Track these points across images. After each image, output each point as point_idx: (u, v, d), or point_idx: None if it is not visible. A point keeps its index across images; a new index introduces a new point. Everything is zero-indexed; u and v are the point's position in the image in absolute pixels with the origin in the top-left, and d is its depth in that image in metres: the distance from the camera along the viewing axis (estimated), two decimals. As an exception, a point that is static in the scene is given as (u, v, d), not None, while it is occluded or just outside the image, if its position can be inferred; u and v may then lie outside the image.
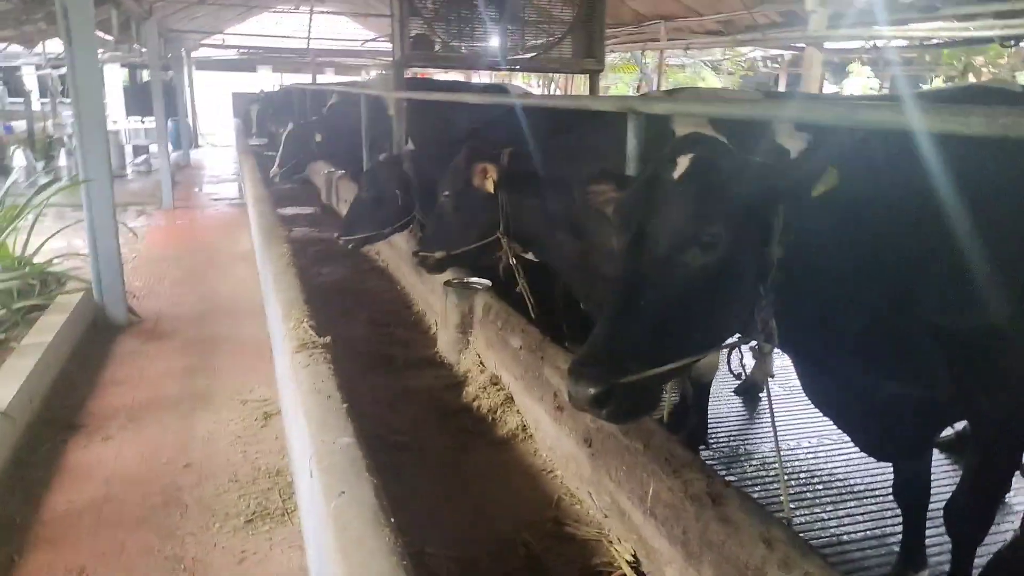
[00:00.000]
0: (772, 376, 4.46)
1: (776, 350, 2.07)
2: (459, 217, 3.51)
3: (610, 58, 17.33)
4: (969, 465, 2.32)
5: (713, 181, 1.87)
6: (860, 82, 13.09)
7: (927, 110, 1.40)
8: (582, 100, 3.95)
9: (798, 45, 9.90)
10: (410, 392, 3.61)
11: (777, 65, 15.47)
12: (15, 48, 15.59)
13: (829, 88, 15.44)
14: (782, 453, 3.76)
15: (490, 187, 3.27)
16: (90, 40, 5.10)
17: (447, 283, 3.89)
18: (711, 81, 18.58)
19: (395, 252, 5.45)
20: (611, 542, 2.44)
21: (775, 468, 3.61)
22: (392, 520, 1.90)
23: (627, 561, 2.33)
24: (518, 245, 3.46)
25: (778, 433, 3.86)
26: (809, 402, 2.65)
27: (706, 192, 1.86)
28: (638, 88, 15.04)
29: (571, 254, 3.26)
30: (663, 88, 12.67)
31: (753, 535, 1.82)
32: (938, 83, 12.22)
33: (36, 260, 5.64)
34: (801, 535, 3.01)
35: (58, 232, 6.14)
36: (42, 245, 5.79)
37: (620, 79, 19.87)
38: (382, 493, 2.01)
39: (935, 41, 8.24)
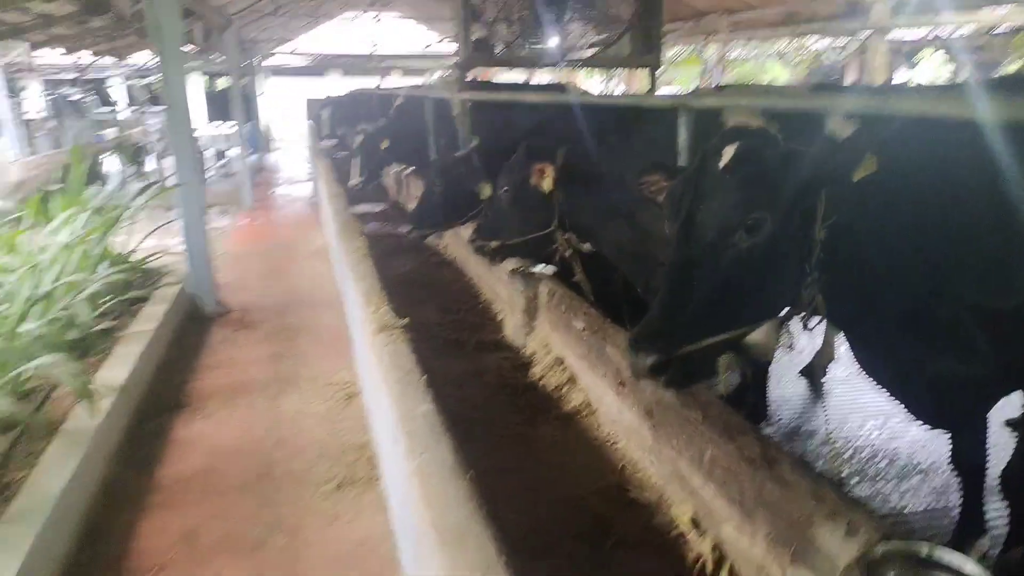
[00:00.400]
0: (833, 359, 4.54)
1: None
2: (515, 210, 3.70)
3: (673, 52, 17.27)
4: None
5: (756, 169, 2.03)
6: (931, 69, 12.72)
7: (951, 99, 1.53)
8: (635, 98, 4.10)
9: (861, 35, 9.76)
10: (480, 372, 3.85)
11: (843, 55, 15.14)
12: (103, 60, 16.62)
13: (902, 76, 15.03)
14: (847, 431, 3.85)
15: (548, 186, 3.47)
16: (179, 56, 5.52)
17: (513, 271, 4.10)
18: (776, 72, 18.29)
19: (464, 245, 5.70)
20: (671, 505, 2.61)
21: (836, 444, 3.71)
22: (468, 475, 2.13)
23: (687, 521, 2.50)
24: (575, 236, 3.65)
25: (842, 412, 3.96)
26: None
27: (750, 179, 2.02)
28: (700, 81, 14.96)
29: (627, 244, 3.43)
30: (724, 81, 12.60)
31: (804, 492, 1.97)
32: (1012, 68, 11.78)
33: (136, 256, 6.13)
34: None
35: (152, 232, 6.64)
36: (140, 243, 6.28)
37: (685, 72, 19.75)
38: (458, 452, 2.24)
39: (1004, 28, 8.01)
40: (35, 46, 9.38)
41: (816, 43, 15.47)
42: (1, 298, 4.10)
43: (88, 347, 4.51)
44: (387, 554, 2.97)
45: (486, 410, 3.43)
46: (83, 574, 2.90)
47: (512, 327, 4.20)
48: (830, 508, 1.88)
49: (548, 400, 3.47)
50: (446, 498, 2.02)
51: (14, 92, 17.85)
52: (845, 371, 4.54)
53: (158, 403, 4.39)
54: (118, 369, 4.18)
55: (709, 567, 2.30)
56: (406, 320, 3.36)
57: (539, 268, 4.16)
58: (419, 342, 4.15)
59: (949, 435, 2.63)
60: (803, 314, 2.14)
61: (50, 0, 6.23)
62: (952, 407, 2.42)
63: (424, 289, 5.28)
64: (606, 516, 2.59)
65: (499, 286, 4.60)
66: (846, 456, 3.61)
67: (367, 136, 8.33)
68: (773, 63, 17.66)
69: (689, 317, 2.02)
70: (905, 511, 3.15)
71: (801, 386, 4.42)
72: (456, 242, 6.06)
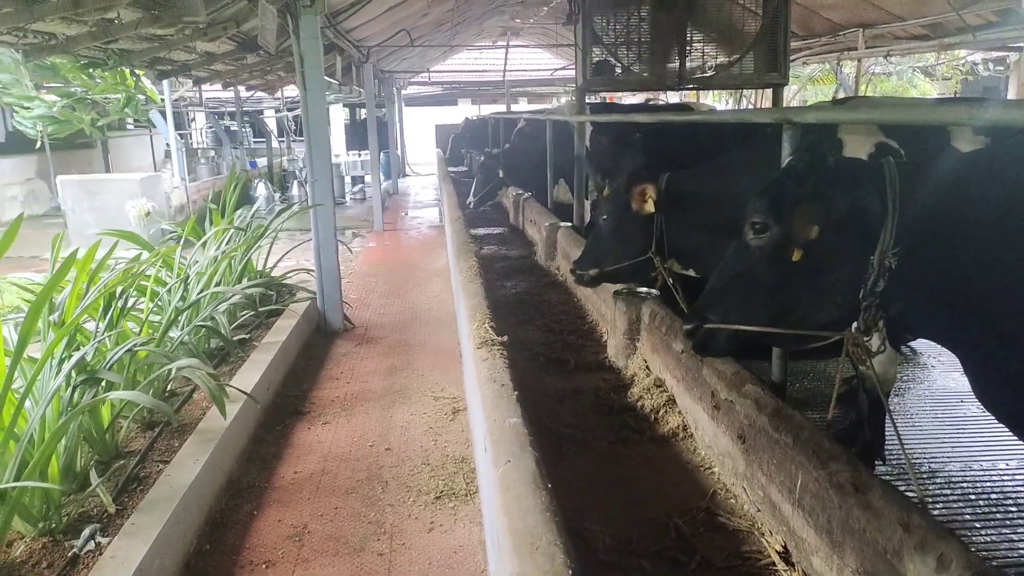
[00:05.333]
0: (893, 379, 4.20)
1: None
2: (614, 237, 3.73)
3: (808, 70, 16.59)
4: None
5: (779, 179, 2.16)
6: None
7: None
8: (741, 114, 4.03)
9: (1016, 45, 9.00)
10: (579, 391, 3.88)
11: (1001, 68, 13.97)
12: (259, 94, 18.15)
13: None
14: (973, 473, 3.56)
15: (650, 208, 3.47)
16: (320, 87, 5.97)
17: (616, 292, 4.12)
18: (924, 88, 17.15)
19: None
20: (762, 534, 2.53)
21: (960, 487, 3.43)
22: (548, 486, 2.18)
23: (777, 552, 2.41)
24: (676, 262, 3.62)
25: (970, 454, 3.68)
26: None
27: (769, 186, 2.21)
28: (833, 100, 14.29)
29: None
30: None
31: (892, 520, 1.87)
32: None
33: (273, 274, 6.65)
34: (977, 549, 2.89)
35: (290, 251, 7.18)
36: (279, 261, 6.81)
37: (820, 91, 18.92)
38: (541, 464, 2.29)
39: None
40: (197, 81, 10.41)
41: (970, 56, 14.37)
42: (155, 308, 4.58)
43: (227, 354, 4.95)
44: (478, 564, 3.06)
45: (581, 428, 3.45)
46: (204, 561, 3.18)
47: (614, 348, 4.20)
48: (919, 538, 1.78)
49: (644, 421, 3.45)
50: (522, 506, 2.08)
51: (183, 124, 19.87)
52: (977, 408, 4.19)
53: (284, 408, 4.74)
54: (250, 375, 4.55)
55: (796, 600, 2.22)
56: (505, 337, 3.46)
57: (643, 290, 4.15)
58: (522, 360, 4.27)
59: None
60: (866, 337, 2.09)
61: (212, 39, 6.91)
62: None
63: (533, 309, 5.38)
64: (691, 538, 2.55)
65: (604, 308, 4.62)
66: (971, 499, 3.33)
67: (485, 159, 8.62)
68: (919, 78, 16.57)
69: (716, 301, 2.38)
70: (1036, 561, 2.87)
71: (925, 422, 4.13)
72: (567, 264, 6.13)
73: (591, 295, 5.06)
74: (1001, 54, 13.21)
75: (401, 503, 3.59)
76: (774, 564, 2.37)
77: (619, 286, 4.20)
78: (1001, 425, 3.89)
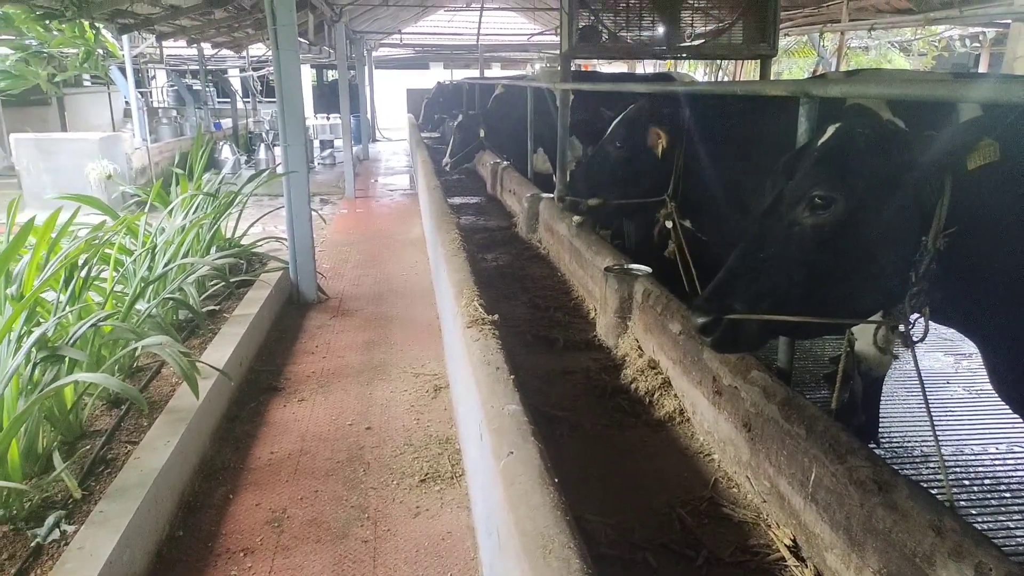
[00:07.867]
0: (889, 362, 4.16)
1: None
2: (628, 170, 3.54)
3: (784, 42, 16.49)
4: None
5: (841, 146, 1.95)
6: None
7: None
8: (753, 85, 3.88)
9: (1003, 20, 8.96)
10: (569, 372, 3.75)
11: (978, 44, 14.01)
12: (222, 53, 17.49)
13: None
14: (965, 458, 3.53)
15: (659, 151, 3.32)
16: (293, 45, 5.66)
17: (607, 269, 3.98)
18: (899, 63, 17.18)
19: (556, 240, 5.62)
20: (769, 526, 2.44)
21: (954, 472, 3.40)
22: (555, 480, 2.05)
23: (786, 545, 2.33)
24: (678, 212, 3.49)
25: (960, 437, 3.65)
26: (998, 406, 2.50)
27: (827, 157, 1.95)
28: (814, 73, 14.23)
29: (734, 230, 3.25)
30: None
31: (922, 523, 1.78)
32: None
33: (243, 242, 6.37)
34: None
35: (261, 218, 6.89)
36: (248, 229, 6.53)
37: (796, 64, 18.84)
38: (546, 455, 2.16)
39: None
40: (160, 37, 9.91)
41: (947, 31, 14.39)
42: (119, 278, 4.33)
43: (196, 328, 4.72)
44: (467, 551, 2.94)
45: (573, 411, 3.33)
46: (178, 549, 3.01)
47: (604, 326, 4.08)
48: (953, 544, 1.69)
49: (639, 404, 3.35)
50: (530, 503, 1.95)
51: (144, 82, 19.08)
52: (967, 391, 4.18)
53: (257, 384, 4.54)
54: (222, 350, 4.34)
55: (809, 597, 2.14)
56: (495, 316, 3.31)
57: (635, 267, 4.02)
58: (508, 337, 4.11)
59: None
60: (904, 326, 1.97)
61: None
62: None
63: (516, 283, 5.23)
64: (697, 531, 2.45)
65: (591, 284, 4.49)
66: (966, 485, 3.30)
67: (465, 118, 8.37)
68: (895, 53, 16.58)
69: (743, 287, 2.06)
70: (1034, 549, 2.85)
71: (914, 405, 4.09)
72: (549, 236, 5.98)
73: (576, 270, 4.92)
74: (976, 30, 13.25)
75: (384, 486, 3.45)
76: (784, 559, 2.29)
77: (610, 262, 4.07)
78: (990, 407, 3.90)
